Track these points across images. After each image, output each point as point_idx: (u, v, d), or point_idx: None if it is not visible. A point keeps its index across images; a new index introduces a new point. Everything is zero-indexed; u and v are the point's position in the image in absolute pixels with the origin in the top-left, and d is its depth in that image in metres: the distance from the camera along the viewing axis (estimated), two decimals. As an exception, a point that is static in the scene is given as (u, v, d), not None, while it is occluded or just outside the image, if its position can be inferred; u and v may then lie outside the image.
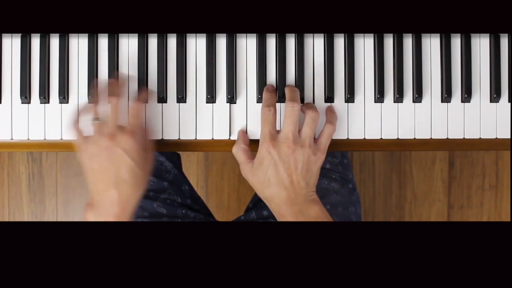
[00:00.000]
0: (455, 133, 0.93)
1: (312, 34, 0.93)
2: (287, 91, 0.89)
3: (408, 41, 0.93)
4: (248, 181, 0.89)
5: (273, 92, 0.90)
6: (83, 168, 0.86)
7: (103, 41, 0.93)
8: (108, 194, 0.83)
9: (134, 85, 0.93)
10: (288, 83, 0.93)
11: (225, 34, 0.93)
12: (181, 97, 0.92)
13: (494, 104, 0.94)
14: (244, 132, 0.91)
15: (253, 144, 0.91)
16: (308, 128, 0.86)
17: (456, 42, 0.94)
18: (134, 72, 0.93)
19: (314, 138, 0.88)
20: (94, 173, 0.84)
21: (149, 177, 0.87)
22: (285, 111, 0.86)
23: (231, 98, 0.92)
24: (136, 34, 0.93)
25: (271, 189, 0.86)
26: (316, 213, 0.86)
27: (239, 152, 0.89)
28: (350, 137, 0.93)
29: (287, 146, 0.84)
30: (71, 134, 0.87)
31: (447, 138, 0.93)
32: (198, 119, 0.93)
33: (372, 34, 0.93)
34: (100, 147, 0.83)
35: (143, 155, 0.85)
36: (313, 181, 0.87)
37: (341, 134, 0.93)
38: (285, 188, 0.85)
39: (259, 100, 0.92)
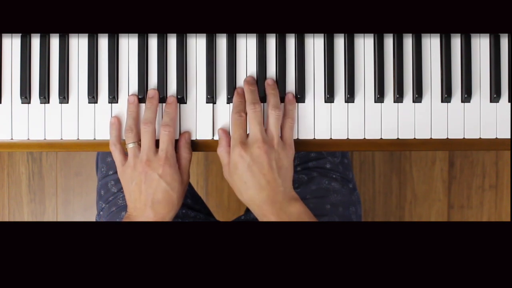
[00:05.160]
0: (455, 133, 0.93)
1: (312, 34, 0.93)
2: (246, 94, 0.90)
3: (408, 41, 0.93)
4: (229, 184, 0.90)
5: (243, 97, 0.91)
6: (122, 186, 0.91)
7: (103, 41, 0.93)
8: (145, 212, 0.89)
9: (134, 85, 0.93)
10: (288, 83, 0.93)
11: (225, 34, 0.93)
12: (181, 97, 0.92)
13: (494, 104, 0.94)
14: (225, 131, 0.91)
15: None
16: (273, 127, 0.88)
17: (456, 42, 0.94)
18: (134, 72, 0.93)
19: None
20: (132, 193, 0.89)
21: (182, 198, 0.91)
22: (248, 114, 0.88)
23: (231, 98, 0.92)
24: (136, 34, 0.93)
25: (250, 191, 0.86)
26: (297, 209, 0.87)
27: (223, 153, 0.90)
28: (350, 137, 0.93)
29: (258, 147, 0.86)
30: (112, 153, 0.91)
31: (447, 138, 0.93)
32: (198, 119, 0.93)
33: (372, 34, 0.93)
34: (137, 171, 0.88)
35: (177, 178, 0.89)
36: (288, 177, 0.88)
37: (341, 134, 0.93)
38: (263, 188, 0.86)
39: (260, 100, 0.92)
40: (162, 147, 0.88)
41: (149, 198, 0.88)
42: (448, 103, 0.93)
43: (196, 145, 0.93)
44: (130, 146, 0.89)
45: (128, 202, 0.90)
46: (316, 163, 1.11)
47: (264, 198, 0.86)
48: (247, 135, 0.88)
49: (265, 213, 0.86)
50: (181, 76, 0.92)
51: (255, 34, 0.93)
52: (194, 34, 0.93)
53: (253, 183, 0.86)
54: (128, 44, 0.93)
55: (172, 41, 0.93)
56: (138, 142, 0.89)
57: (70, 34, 0.92)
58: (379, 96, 0.92)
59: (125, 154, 0.90)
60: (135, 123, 0.90)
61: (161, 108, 0.92)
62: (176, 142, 0.91)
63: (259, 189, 0.86)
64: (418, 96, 0.93)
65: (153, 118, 0.89)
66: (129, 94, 0.92)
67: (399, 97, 0.93)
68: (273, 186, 0.86)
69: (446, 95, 0.93)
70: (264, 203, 0.86)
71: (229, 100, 0.93)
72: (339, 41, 0.93)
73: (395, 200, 1.77)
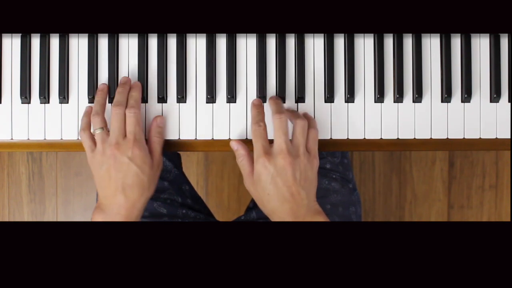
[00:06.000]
0: (455, 133, 0.93)
1: (312, 34, 0.93)
2: (271, 104, 0.89)
3: (408, 41, 0.93)
4: (250, 194, 0.89)
5: (260, 107, 0.90)
6: (92, 174, 0.89)
7: (103, 41, 0.93)
8: (115, 199, 0.86)
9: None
10: (288, 83, 0.93)
11: (225, 34, 0.93)
12: (181, 97, 0.92)
13: (494, 104, 0.94)
14: (239, 142, 0.90)
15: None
16: (299, 136, 0.86)
17: (456, 42, 0.94)
18: (134, 72, 0.93)
19: None
20: (102, 180, 0.87)
21: (156, 181, 0.90)
22: (274, 123, 0.86)
23: (231, 98, 0.92)
24: (136, 34, 0.93)
25: (272, 203, 0.85)
26: None
27: (244, 161, 0.88)
28: (350, 137, 0.93)
29: (282, 158, 0.84)
30: (81, 139, 0.89)
31: (447, 138, 0.93)
32: (198, 119, 0.93)
33: (372, 34, 0.93)
34: (106, 155, 0.86)
35: (147, 161, 0.87)
36: (312, 189, 0.87)
37: (341, 134, 0.93)
38: (286, 201, 0.85)
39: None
40: (129, 129, 0.87)
41: (119, 182, 0.86)
42: (448, 103, 0.93)
43: (196, 145, 0.93)
44: (98, 132, 0.87)
45: (98, 190, 0.88)
46: (316, 163, 1.11)
47: (287, 211, 0.85)
48: (270, 144, 0.87)
49: None
50: (181, 76, 0.92)
51: (255, 34, 0.93)
52: (194, 34, 0.93)
53: (277, 195, 0.85)
54: (128, 44, 0.93)
55: (172, 41, 0.93)
56: (106, 127, 0.88)
57: (70, 34, 0.92)
58: (379, 96, 0.92)
59: (94, 140, 0.88)
60: (102, 109, 0.89)
61: (161, 108, 0.93)
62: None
63: (282, 201, 0.85)
64: (418, 96, 0.93)
65: (123, 101, 0.88)
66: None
67: (399, 97, 0.93)
68: (297, 199, 0.85)
69: (446, 95, 0.93)
70: (286, 216, 0.85)
71: (229, 100, 0.93)
72: (339, 41, 0.93)
73: (395, 200, 1.77)
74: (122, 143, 0.86)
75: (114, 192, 0.86)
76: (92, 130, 0.89)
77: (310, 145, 0.88)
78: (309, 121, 0.90)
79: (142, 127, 0.90)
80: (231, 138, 0.92)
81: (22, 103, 0.92)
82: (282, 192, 0.84)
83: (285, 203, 0.85)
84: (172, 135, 0.93)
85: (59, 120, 0.92)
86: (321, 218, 0.86)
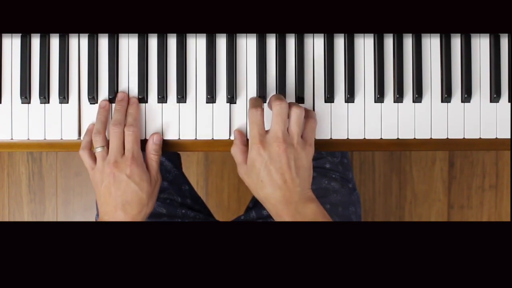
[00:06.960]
0: (455, 133, 0.93)
1: (312, 34, 0.93)
2: (272, 96, 0.89)
3: (408, 41, 0.93)
4: (244, 182, 0.89)
5: (260, 99, 0.91)
6: (94, 190, 0.91)
7: (103, 41, 0.93)
8: (115, 214, 0.89)
9: (134, 85, 0.93)
10: (288, 83, 0.93)
11: (225, 34, 0.93)
12: (181, 97, 0.92)
13: (494, 104, 0.94)
14: (241, 132, 0.91)
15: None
16: (295, 125, 0.86)
17: (456, 42, 0.94)
18: (134, 72, 0.93)
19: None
20: (102, 196, 0.89)
21: (155, 198, 0.91)
22: (273, 109, 0.86)
23: (231, 98, 0.92)
24: (136, 34, 0.93)
25: (265, 190, 0.86)
26: (312, 210, 0.85)
27: (237, 152, 0.89)
28: (350, 137, 0.93)
29: (277, 145, 0.85)
30: (82, 158, 0.91)
31: (447, 138, 0.93)
32: (198, 119, 0.93)
33: (372, 34, 0.93)
34: (105, 173, 0.88)
35: (145, 178, 0.89)
36: (307, 177, 0.87)
37: (341, 134, 0.93)
38: (279, 188, 0.85)
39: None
40: (127, 147, 0.89)
41: (118, 199, 0.88)
42: (448, 103, 0.93)
43: (196, 145, 0.93)
44: (98, 150, 0.89)
45: (99, 206, 0.90)
46: (315, 163, 1.11)
47: (280, 198, 0.85)
48: (266, 132, 0.87)
49: (279, 212, 0.85)
50: (181, 76, 0.92)
51: (255, 34, 0.93)
52: (194, 34, 0.93)
53: (270, 182, 0.85)
54: (128, 44, 0.93)
55: (172, 41, 0.93)
56: (106, 146, 0.90)
57: (70, 34, 0.92)
58: (379, 96, 0.93)
59: (94, 158, 0.91)
60: (103, 127, 0.90)
61: (161, 108, 0.93)
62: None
63: (275, 188, 0.85)
64: (418, 96, 0.93)
65: (122, 120, 0.90)
66: (129, 94, 0.93)
67: (399, 97, 0.93)
68: (290, 186, 0.85)
69: (446, 95, 0.93)
70: (279, 203, 0.85)
71: (229, 100, 0.93)
72: (339, 41, 0.93)
73: (395, 200, 1.77)
74: (120, 161, 0.88)
75: (114, 209, 0.88)
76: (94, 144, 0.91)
77: (307, 134, 0.88)
78: (308, 112, 0.90)
79: (142, 129, 0.90)
80: (231, 138, 0.92)
81: (22, 103, 0.92)
82: (275, 179, 0.85)
83: (278, 190, 0.85)
84: (172, 135, 0.93)
85: (59, 120, 0.92)
86: (314, 205, 0.86)
